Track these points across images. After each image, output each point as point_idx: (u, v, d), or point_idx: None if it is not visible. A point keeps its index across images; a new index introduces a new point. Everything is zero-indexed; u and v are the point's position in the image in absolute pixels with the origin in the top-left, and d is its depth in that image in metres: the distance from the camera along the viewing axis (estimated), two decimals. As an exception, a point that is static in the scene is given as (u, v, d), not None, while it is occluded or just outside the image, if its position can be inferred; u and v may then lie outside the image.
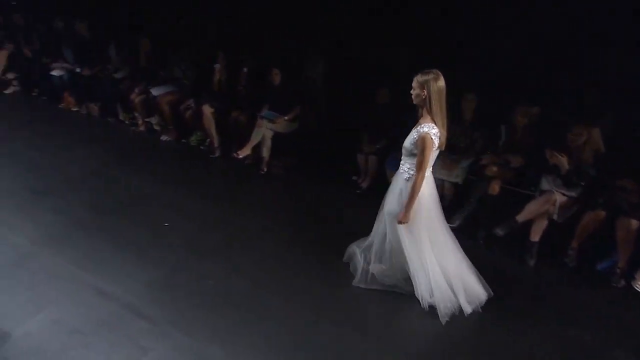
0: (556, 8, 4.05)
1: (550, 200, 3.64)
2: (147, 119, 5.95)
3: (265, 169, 5.11)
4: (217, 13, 6.02)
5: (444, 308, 2.99)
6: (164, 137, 5.81)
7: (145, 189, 4.59)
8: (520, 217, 3.74)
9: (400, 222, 2.93)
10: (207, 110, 5.35)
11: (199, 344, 2.89)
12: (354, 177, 4.87)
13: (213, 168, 5.21)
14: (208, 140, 5.55)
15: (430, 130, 2.75)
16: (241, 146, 5.09)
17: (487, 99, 4.18)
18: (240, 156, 5.08)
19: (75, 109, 6.44)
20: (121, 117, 6.18)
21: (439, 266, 3.00)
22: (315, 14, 5.29)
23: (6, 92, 6.86)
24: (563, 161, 3.60)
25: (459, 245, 3.12)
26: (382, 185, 4.45)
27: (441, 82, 2.74)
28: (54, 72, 6.41)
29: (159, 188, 4.62)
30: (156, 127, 5.91)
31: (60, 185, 4.57)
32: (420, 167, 2.82)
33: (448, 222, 4.06)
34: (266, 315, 3.12)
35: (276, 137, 5.07)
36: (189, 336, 2.94)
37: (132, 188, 4.61)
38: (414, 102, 2.83)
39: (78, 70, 6.31)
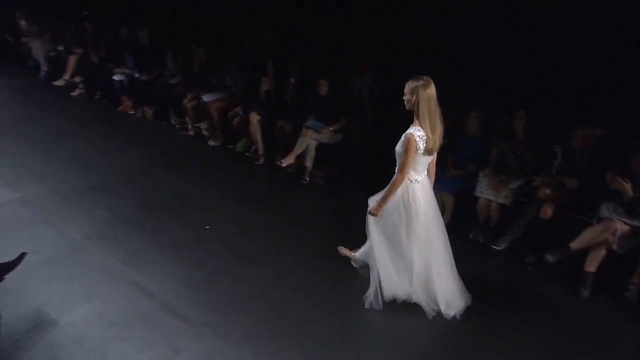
0: (627, 27, 3.82)
1: (610, 228, 3.40)
2: (196, 124, 6.17)
3: (307, 179, 5.14)
4: (270, 24, 6.20)
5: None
6: (211, 142, 5.99)
7: (191, 192, 4.74)
8: (575, 245, 3.52)
9: (370, 214, 3.06)
10: (254, 118, 5.47)
11: (230, 348, 2.92)
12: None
13: (257, 175, 5.30)
14: (253, 147, 5.67)
15: (415, 133, 2.83)
16: (285, 155, 5.16)
17: (541, 117, 3.99)
18: (284, 164, 5.14)
19: (131, 112, 6.80)
20: (172, 121, 6.45)
21: (423, 268, 3.10)
22: (364, 26, 5.31)
23: (73, 94, 7.36)
24: (627, 187, 3.37)
25: (451, 253, 3.17)
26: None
27: (430, 89, 2.81)
28: (116, 77, 6.82)
29: (203, 191, 4.77)
30: (205, 132, 6.11)
31: (113, 183, 4.83)
32: (401, 168, 2.91)
33: (493, 245, 3.93)
34: (299, 323, 3.12)
35: (320, 147, 5.09)
36: (221, 339, 2.98)
37: (178, 190, 4.78)
38: (406, 108, 2.90)
39: (137, 75, 6.68)
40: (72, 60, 7.37)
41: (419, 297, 3.16)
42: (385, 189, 3.01)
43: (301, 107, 5.30)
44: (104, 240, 3.93)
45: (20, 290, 3.30)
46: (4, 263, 3.08)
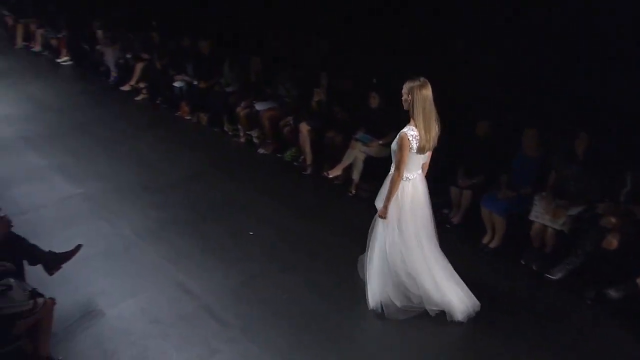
0: None
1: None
2: (248, 132, 6.35)
3: (354, 191, 5.12)
4: (326, 36, 6.30)
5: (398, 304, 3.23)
6: (261, 150, 6.13)
7: (238, 197, 4.87)
8: (643, 281, 3.24)
9: (380, 216, 3.19)
10: (305, 128, 5.54)
11: (264, 354, 2.94)
12: (445, 211, 4.66)
13: (303, 184, 5.36)
14: (302, 157, 5.74)
15: (409, 132, 2.97)
16: (333, 166, 5.18)
17: (607, 140, 3.74)
18: (331, 176, 5.16)
19: (188, 117, 7.12)
20: (225, 128, 6.68)
21: (417, 268, 3.17)
22: (418, 41, 5.25)
23: (137, 98, 7.84)
24: None
25: (441, 254, 3.23)
26: (474, 223, 4.24)
27: (426, 90, 2.93)
28: (176, 84, 7.19)
29: (250, 197, 4.88)
30: (255, 140, 6.27)
31: (167, 185, 5.07)
32: (397, 165, 3.05)
33: (548, 273, 3.70)
34: (336, 338, 3.08)
35: (368, 160, 5.06)
36: (256, 345, 3.01)
37: (227, 195, 4.93)
38: (404, 108, 3.01)
39: (195, 82, 7.00)
40: (139, 67, 7.86)
41: (419, 301, 3.22)
42: (387, 189, 3.12)
43: (352, 120, 5.30)
44: (154, 239, 4.12)
45: (75, 279, 3.52)
46: (62, 253, 3.32)
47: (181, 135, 6.53)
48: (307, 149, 5.59)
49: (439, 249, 3.24)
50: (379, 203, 3.23)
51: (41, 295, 2.77)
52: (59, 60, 9.82)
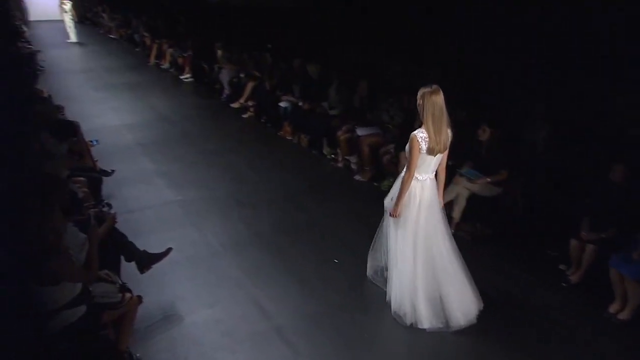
0: None
1: None
2: (346, 157, 6.42)
3: (452, 231, 4.82)
4: (439, 64, 6.21)
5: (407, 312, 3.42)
6: (358, 177, 6.14)
7: (327, 222, 4.90)
8: None
9: (391, 215, 3.41)
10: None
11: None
12: (562, 267, 4.17)
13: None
14: (400, 188, 5.60)
15: (418, 134, 3.25)
16: (432, 200, 4.97)
17: None
18: (428, 211, 4.94)
19: (289, 138, 7.45)
20: (324, 151, 6.84)
21: (413, 271, 3.37)
22: (545, 71, 4.89)
23: (244, 116, 8.46)
24: None
25: (456, 257, 3.43)
26: (598, 285, 3.71)
27: (436, 97, 3.19)
28: (281, 104, 7.61)
29: (340, 223, 4.88)
30: (353, 166, 6.31)
31: (257, 201, 5.31)
32: (408, 166, 3.33)
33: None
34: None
35: (472, 198, 4.77)
36: (323, 380, 2.92)
37: (316, 218, 4.99)
38: (418, 112, 3.28)
39: (300, 104, 7.33)
40: (249, 86, 8.50)
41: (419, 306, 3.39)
42: (398, 189, 3.39)
43: (458, 152, 5.06)
44: (238, 252, 4.30)
45: (161, 281, 3.80)
46: (154, 254, 3.61)
47: (280, 154, 6.84)
48: (406, 180, 5.44)
49: (449, 252, 3.42)
50: (388, 202, 3.51)
51: (129, 291, 3.02)
52: (182, 77, 11.09)
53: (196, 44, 10.96)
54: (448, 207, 4.86)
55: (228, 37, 10.14)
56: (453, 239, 3.47)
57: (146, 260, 3.48)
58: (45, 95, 6.81)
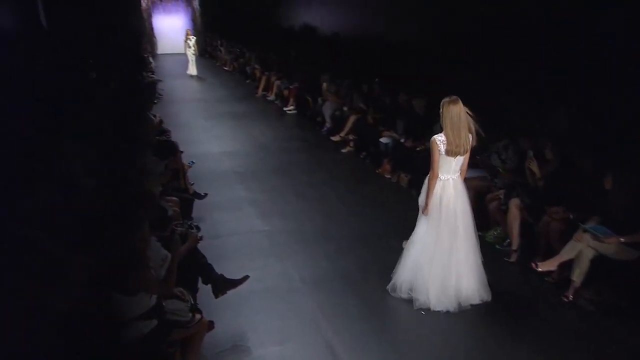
0: None
1: None
2: (448, 200, 6.18)
3: (570, 297, 4.35)
4: (569, 107, 5.83)
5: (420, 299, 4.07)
6: (459, 224, 5.87)
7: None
8: None
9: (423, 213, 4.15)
10: (516, 205, 5.10)
11: None
12: None
13: (505, 273, 4.84)
14: (507, 240, 5.24)
15: (437, 138, 3.97)
16: (546, 257, 4.60)
17: None
18: (541, 269, 4.54)
19: (388, 176, 7.43)
20: (425, 193, 6.67)
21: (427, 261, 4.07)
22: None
23: (343, 150, 8.65)
24: None
25: (474, 251, 4.11)
26: None
27: (454, 106, 3.90)
28: (382, 139, 7.66)
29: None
30: (455, 211, 6.05)
31: (344, 238, 5.32)
32: (431, 167, 4.04)
33: None
34: None
35: (599, 260, 4.27)
36: None
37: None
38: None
39: (402, 140, 7.31)
40: (351, 120, 8.72)
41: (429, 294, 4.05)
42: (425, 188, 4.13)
43: (582, 202, 4.62)
44: (318, 289, 4.31)
45: (235, 309, 3.93)
46: (231, 279, 3.78)
47: (376, 192, 6.83)
48: (515, 231, 5.09)
49: (468, 244, 4.09)
50: (421, 200, 4.25)
51: (200, 312, 3.18)
52: (285, 109, 11.80)
53: (303, 77, 11.62)
54: (567, 269, 4.41)
55: (335, 70, 10.60)
56: (475, 235, 4.17)
57: (222, 285, 3.64)
58: (157, 120, 7.68)
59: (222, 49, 20.23)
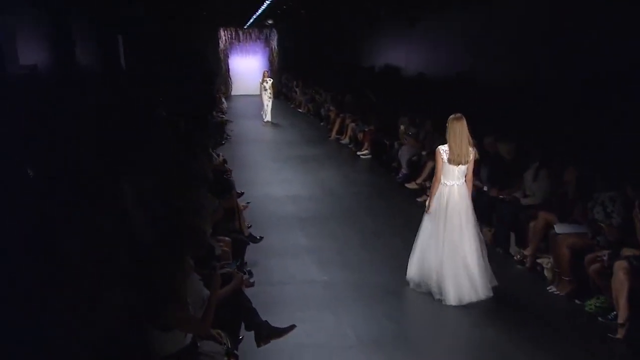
0: None
1: None
2: (538, 259, 5.86)
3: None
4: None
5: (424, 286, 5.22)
6: (552, 289, 5.52)
7: (501, 345, 4.45)
8: None
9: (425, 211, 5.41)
10: (622, 269, 4.69)
11: None
12: None
13: (610, 355, 4.44)
14: (614, 313, 4.80)
15: (441, 148, 5.20)
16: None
17: None
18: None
19: (469, 231, 7.16)
20: (511, 250, 6.36)
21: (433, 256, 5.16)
22: None
23: (419, 199, 8.47)
24: None
25: (477, 249, 5.17)
26: None
27: (457, 122, 5.10)
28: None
29: (523, 351, 4.38)
30: (546, 274, 5.71)
31: (412, 296, 5.20)
32: (435, 173, 5.33)
33: None
34: None
35: None
36: None
37: (486, 334, 4.63)
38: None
39: (485, 188, 7.07)
40: (429, 166, 8.59)
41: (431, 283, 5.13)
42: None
43: None
44: (375, 351, 4.19)
45: (280, 360, 3.89)
46: (276, 327, 3.77)
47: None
48: (622, 300, 4.65)
49: (472, 243, 5.12)
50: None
51: (236, 358, 3.18)
52: (359, 153, 11.95)
53: (379, 119, 11.77)
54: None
55: (417, 112, 10.62)
56: (479, 235, 5.26)
57: (266, 332, 3.64)
58: (220, 159, 8.08)
59: (297, 90, 21.14)
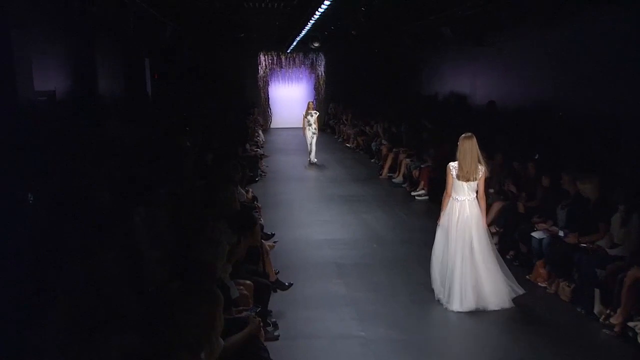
0: None
1: None
2: (629, 322, 5.62)
3: None
4: None
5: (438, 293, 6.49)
6: (645, 359, 5.26)
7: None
8: None
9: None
10: None
11: None
12: None
13: None
14: None
15: (451, 164, 6.45)
16: None
17: None
18: None
19: (542, 285, 6.98)
20: (595, 310, 6.12)
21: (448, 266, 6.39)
22: None
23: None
24: None
25: (492, 259, 6.37)
26: None
27: (467, 141, 6.29)
28: (535, 234, 7.28)
29: None
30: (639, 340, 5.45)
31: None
32: (446, 187, 6.55)
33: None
34: None
35: None
36: None
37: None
38: None
39: (561, 234, 6.89)
40: (496, 208, 8.47)
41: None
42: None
43: None
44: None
45: None
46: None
47: (525, 306, 6.44)
48: None
49: (485, 254, 6.32)
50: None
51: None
52: (414, 194, 11.92)
53: (438, 154, 11.71)
54: None
55: (484, 146, 10.53)
56: (492, 247, 6.46)
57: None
58: (249, 195, 8.27)
59: (346, 122, 21.40)
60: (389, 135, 15.65)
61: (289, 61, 25.14)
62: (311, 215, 10.22)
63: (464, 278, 6.16)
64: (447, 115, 14.43)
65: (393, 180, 13.44)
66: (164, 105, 14.17)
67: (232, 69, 22.74)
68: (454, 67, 15.82)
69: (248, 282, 4.87)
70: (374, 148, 16.61)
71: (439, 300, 6.32)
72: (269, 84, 25.17)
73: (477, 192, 6.40)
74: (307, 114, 16.29)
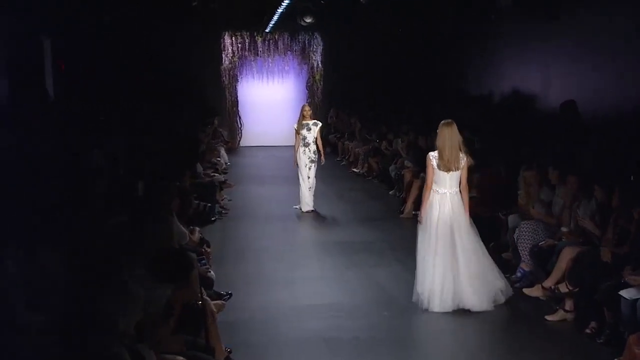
0: None
1: None
2: None
3: None
4: None
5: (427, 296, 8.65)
6: None
7: None
8: None
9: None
10: None
11: None
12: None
13: None
14: None
15: (431, 153, 9.06)
16: None
17: None
18: None
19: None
20: None
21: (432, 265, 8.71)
22: None
23: (549, 317, 8.34)
24: None
25: (477, 257, 8.66)
26: None
27: (447, 128, 8.77)
28: (624, 292, 7.24)
29: None
30: None
31: None
32: (425, 180, 9.24)
33: None
34: None
35: None
36: None
37: None
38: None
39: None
40: (568, 255, 8.47)
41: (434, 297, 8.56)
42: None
43: None
44: None
45: None
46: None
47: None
48: None
49: (470, 251, 8.57)
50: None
51: None
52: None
53: (485, 181, 11.67)
54: None
55: (558, 165, 10.54)
56: (477, 244, 8.68)
57: None
58: (196, 236, 8.32)
59: (353, 135, 21.19)
60: (415, 154, 15.44)
61: (268, 45, 24.81)
62: (293, 271, 10.27)
63: (444, 277, 8.29)
64: (504, 124, 14.48)
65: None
66: (74, 108, 14.15)
67: (180, 58, 21.94)
68: (515, 56, 16.05)
69: (180, 358, 4.83)
70: (392, 174, 16.49)
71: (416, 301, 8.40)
72: (237, 80, 24.96)
73: (460, 183, 8.72)
74: (301, 125, 14.81)
